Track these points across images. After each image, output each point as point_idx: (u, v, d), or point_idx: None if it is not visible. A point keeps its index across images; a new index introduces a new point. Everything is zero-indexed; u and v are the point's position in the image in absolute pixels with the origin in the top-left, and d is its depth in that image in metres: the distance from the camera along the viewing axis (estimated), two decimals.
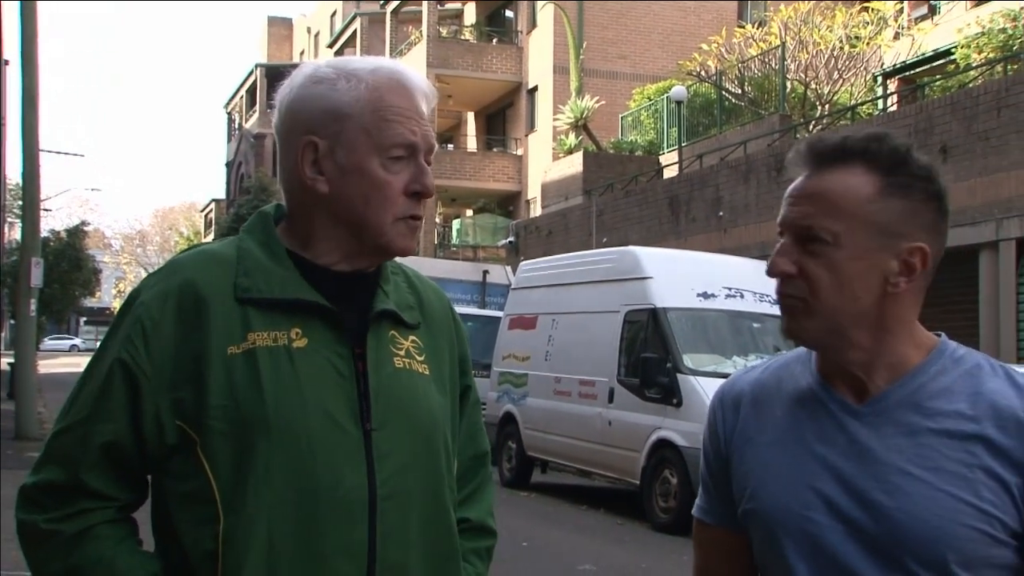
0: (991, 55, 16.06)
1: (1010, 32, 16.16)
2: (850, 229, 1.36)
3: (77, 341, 69.25)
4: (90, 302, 55.84)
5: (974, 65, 16.15)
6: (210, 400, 1.42)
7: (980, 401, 1.36)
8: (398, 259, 1.63)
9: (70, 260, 33.21)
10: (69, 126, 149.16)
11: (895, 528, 1.33)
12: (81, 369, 1.55)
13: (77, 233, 35.08)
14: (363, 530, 1.44)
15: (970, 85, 14.31)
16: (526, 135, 30.17)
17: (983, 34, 16.61)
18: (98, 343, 1.77)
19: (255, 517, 1.41)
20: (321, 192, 1.51)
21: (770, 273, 1.41)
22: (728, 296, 10.54)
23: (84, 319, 75.76)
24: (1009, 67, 14.60)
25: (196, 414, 1.43)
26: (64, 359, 47.69)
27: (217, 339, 1.44)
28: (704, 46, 22.06)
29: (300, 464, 1.42)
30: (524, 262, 14.25)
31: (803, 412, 1.44)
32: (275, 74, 43.30)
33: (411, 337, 1.58)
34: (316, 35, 51.03)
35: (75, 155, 77.85)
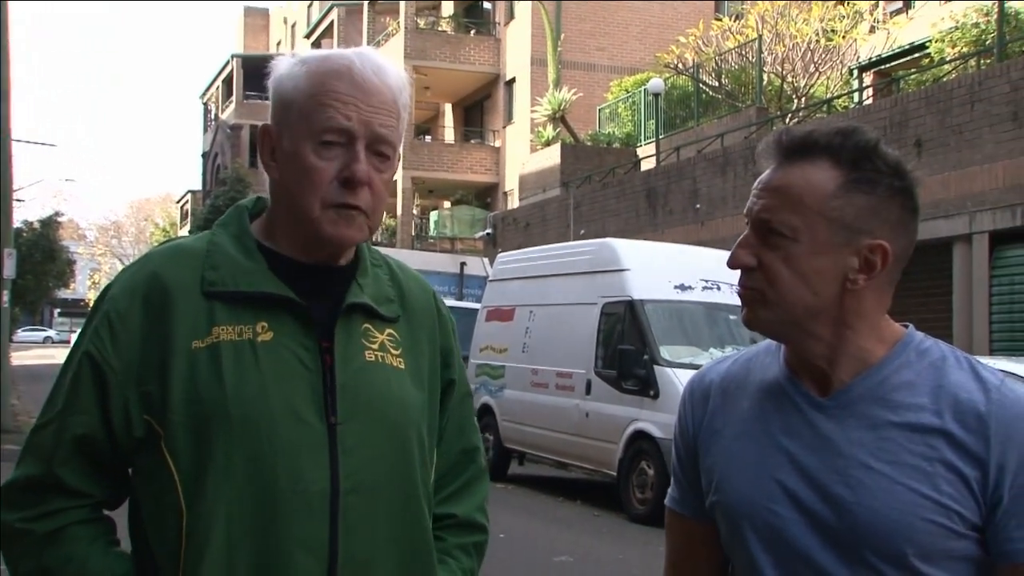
0: (965, 49, 16.19)
1: (983, 27, 16.29)
2: (810, 224, 1.35)
3: (51, 333, 68.65)
4: (64, 293, 55.33)
5: (948, 59, 16.27)
6: (173, 395, 1.41)
7: (942, 394, 1.35)
8: (383, 251, 1.61)
9: (44, 251, 32.93)
10: (42, 116, 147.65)
11: (856, 522, 1.33)
12: (55, 361, 1.55)
13: (51, 224, 34.77)
14: (323, 524, 1.42)
15: (944, 79, 14.41)
16: (504, 127, 30.12)
17: (957, 28, 16.75)
18: (73, 335, 1.77)
19: (214, 511, 1.39)
20: (274, 179, 1.52)
21: (730, 264, 1.40)
22: (705, 288, 10.58)
23: (58, 310, 75.15)
24: (982, 61, 14.72)
25: (161, 408, 1.42)
26: (38, 351, 47.16)
27: (182, 333, 1.43)
28: (681, 39, 22.10)
29: (260, 458, 1.41)
30: (501, 254, 14.23)
31: (770, 404, 1.44)
32: (251, 65, 43.17)
33: (388, 330, 1.56)
34: (293, 26, 50.70)
35: (47, 145, 76.79)
